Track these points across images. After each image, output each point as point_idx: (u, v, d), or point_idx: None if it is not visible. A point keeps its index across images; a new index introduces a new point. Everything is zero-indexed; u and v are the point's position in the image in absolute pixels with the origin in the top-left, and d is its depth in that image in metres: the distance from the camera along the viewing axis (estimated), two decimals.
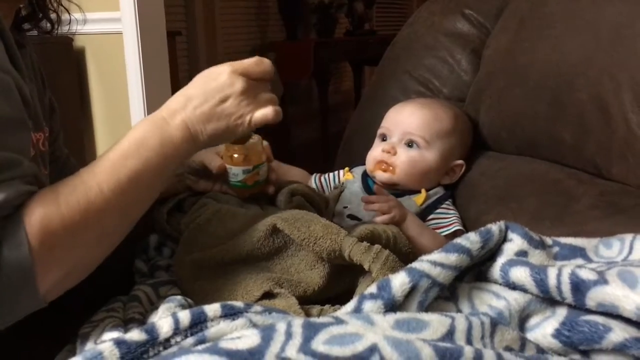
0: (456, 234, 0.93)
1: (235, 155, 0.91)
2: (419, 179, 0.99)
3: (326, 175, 1.12)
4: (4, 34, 0.70)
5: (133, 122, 2.10)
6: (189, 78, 0.73)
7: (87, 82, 2.21)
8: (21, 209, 0.59)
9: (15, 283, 0.58)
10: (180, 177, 0.98)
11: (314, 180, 1.12)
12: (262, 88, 0.74)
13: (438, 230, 0.95)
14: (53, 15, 0.90)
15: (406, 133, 1.00)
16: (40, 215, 0.59)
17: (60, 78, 2.08)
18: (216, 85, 0.71)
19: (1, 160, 0.59)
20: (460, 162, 1.03)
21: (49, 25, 0.90)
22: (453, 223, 0.96)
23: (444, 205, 0.99)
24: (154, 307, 0.77)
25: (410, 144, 0.99)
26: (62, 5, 0.91)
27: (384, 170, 0.99)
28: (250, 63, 0.73)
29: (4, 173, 0.59)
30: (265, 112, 0.72)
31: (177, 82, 2.77)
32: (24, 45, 0.83)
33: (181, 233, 0.88)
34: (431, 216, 0.98)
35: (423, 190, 0.99)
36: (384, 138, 1.03)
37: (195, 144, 0.71)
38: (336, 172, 1.11)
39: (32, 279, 0.58)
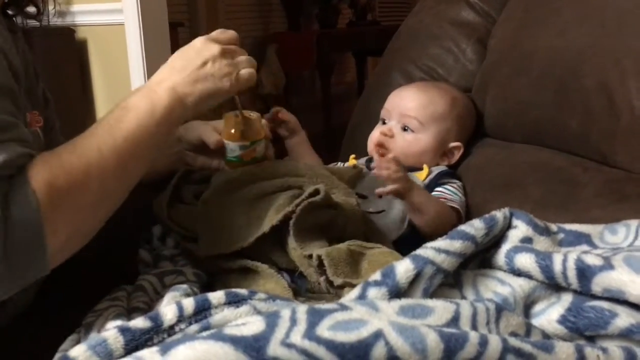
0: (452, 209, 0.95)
1: (233, 131, 0.91)
2: (414, 161, 1.01)
3: (331, 165, 1.11)
4: None
5: None
6: None
7: (90, 74, 2.21)
8: (26, 170, 0.61)
9: (26, 243, 0.59)
10: (179, 155, 0.98)
11: None
12: (238, 52, 0.79)
13: None
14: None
15: (402, 115, 1.03)
16: (46, 175, 0.61)
17: (63, 69, 2.08)
18: (194, 52, 0.76)
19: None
20: (457, 144, 1.05)
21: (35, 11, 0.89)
22: (453, 201, 0.96)
23: (453, 184, 0.99)
24: (159, 296, 0.78)
25: (405, 128, 1.02)
26: None
27: (382, 155, 1.00)
28: (216, 32, 0.80)
29: (2, 134, 0.60)
30: (250, 71, 0.78)
31: None
32: (15, 32, 0.82)
33: (182, 227, 0.88)
34: (438, 189, 0.98)
35: (425, 166, 1.01)
36: (384, 121, 1.07)
37: (184, 107, 0.73)
38: (340, 163, 1.11)
39: (42, 238, 0.60)
